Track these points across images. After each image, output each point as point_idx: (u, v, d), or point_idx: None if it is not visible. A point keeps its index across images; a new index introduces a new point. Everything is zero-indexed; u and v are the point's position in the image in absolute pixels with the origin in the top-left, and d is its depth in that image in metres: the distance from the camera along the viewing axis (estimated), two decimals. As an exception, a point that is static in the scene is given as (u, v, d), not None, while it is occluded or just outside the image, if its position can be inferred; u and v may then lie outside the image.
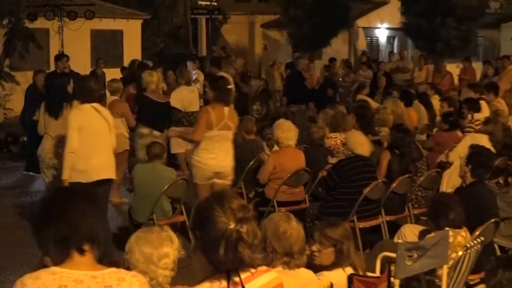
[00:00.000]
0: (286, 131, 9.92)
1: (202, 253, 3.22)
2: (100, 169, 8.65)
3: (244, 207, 3.24)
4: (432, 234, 6.58)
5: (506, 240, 7.88)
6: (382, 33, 40.24)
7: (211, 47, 36.67)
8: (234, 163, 9.62)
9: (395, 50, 35.76)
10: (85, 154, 8.55)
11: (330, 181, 9.30)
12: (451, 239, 6.48)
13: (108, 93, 13.26)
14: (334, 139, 10.81)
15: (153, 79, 12.55)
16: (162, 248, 4.68)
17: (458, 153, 9.60)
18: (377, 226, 9.32)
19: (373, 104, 14.68)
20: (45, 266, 3.24)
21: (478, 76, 23.14)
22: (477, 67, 25.46)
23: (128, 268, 4.64)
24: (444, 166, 10.33)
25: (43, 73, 14.09)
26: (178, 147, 13.74)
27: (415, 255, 6.07)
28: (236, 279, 3.19)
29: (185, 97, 14.07)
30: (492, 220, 7.18)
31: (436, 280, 6.50)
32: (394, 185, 9.31)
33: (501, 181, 9.64)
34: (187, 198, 9.66)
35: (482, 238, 6.78)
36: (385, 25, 39.09)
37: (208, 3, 37.65)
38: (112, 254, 9.10)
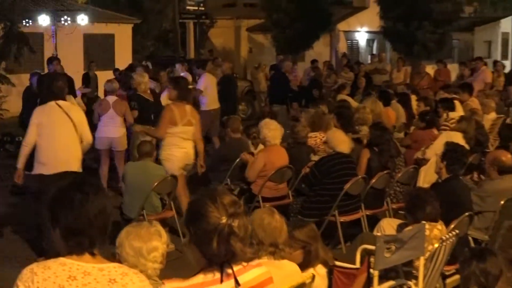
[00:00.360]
0: (273, 130, 9.94)
1: (196, 247, 3.21)
2: (60, 163, 8.57)
3: (235, 202, 3.25)
4: (410, 227, 6.58)
5: (479, 233, 7.90)
6: (362, 37, 40.29)
7: (199, 50, 36.69)
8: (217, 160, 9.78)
9: (375, 53, 35.80)
10: (46, 148, 8.59)
11: (312, 177, 9.31)
12: (427, 232, 6.49)
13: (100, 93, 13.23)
14: (314, 139, 10.82)
15: (144, 79, 12.54)
16: (151, 242, 4.68)
17: (434, 150, 9.62)
18: (357, 220, 9.32)
19: (353, 103, 14.72)
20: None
21: (453, 77, 23.25)
22: (452, 68, 25.60)
23: (119, 261, 4.64)
24: (421, 162, 10.37)
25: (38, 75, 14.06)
26: None
27: (393, 247, 6.09)
28: (229, 271, 3.20)
29: None
30: (467, 213, 7.19)
31: (413, 271, 6.50)
32: (373, 181, 9.32)
33: (475, 176, 9.69)
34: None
35: (457, 231, 6.79)
36: (365, 28, 39.16)
37: (196, 8, 37.65)
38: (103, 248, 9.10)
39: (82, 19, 23.37)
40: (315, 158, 10.27)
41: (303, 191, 9.80)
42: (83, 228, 3.16)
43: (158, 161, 9.92)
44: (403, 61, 24.03)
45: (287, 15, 30.96)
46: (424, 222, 6.52)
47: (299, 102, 19.41)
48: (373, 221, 8.96)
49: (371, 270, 5.95)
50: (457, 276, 6.68)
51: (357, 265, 6.29)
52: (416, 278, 6.46)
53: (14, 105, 18.10)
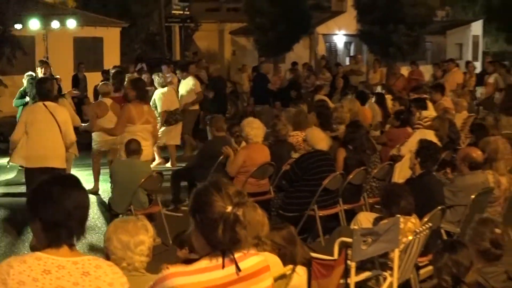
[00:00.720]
0: (256, 129, 9.95)
1: (201, 235, 3.22)
2: (42, 158, 8.90)
3: (239, 193, 3.28)
4: (385, 221, 6.60)
5: (451, 226, 7.93)
6: (339, 39, 40.33)
7: (184, 53, 36.63)
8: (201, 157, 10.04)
9: (352, 55, 35.86)
10: (31, 143, 8.96)
11: (292, 174, 9.32)
12: (402, 225, 6.52)
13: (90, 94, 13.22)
14: (295, 137, 10.83)
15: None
16: (138, 236, 4.67)
17: (409, 147, 9.63)
18: (336, 214, 9.34)
19: (331, 103, 14.78)
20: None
21: (426, 77, 23.31)
22: (425, 69, 25.69)
23: (107, 255, 4.63)
24: (396, 159, 10.39)
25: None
26: (170, 139, 14.43)
27: (370, 240, 6.10)
28: (231, 257, 3.22)
29: (167, 98, 14.32)
30: (439, 207, 7.22)
31: (389, 262, 6.53)
32: (350, 177, 9.33)
33: (448, 171, 9.71)
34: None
35: (430, 224, 6.82)
36: (343, 32, 39.19)
37: (181, 12, 37.62)
38: (92, 242, 9.11)
39: (72, 23, 23.27)
40: (295, 155, 10.27)
41: (283, 187, 9.80)
42: (61, 220, 3.18)
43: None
44: (379, 62, 24.09)
45: (268, 19, 30.92)
46: (398, 215, 6.54)
47: (281, 102, 19.44)
48: (351, 215, 8.98)
49: (349, 262, 5.96)
50: (430, 267, 6.70)
51: (335, 256, 6.30)
52: (391, 269, 6.48)
53: (7, 106, 18.01)
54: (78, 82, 20.71)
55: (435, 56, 35.74)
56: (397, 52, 28.40)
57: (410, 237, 6.48)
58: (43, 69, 14.37)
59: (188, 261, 3.30)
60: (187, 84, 16.03)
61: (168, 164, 14.46)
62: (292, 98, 17.77)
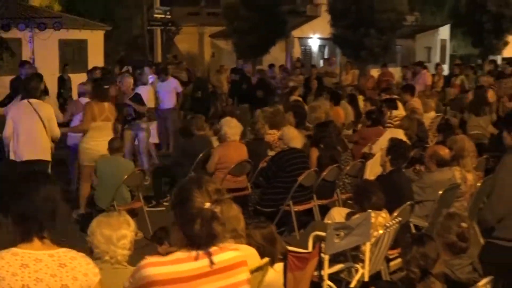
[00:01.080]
0: (233, 128, 9.95)
1: (180, 228, 3.23)
2: (26, 152, 9.11)
3: (218, 190, 3.28)
4: (357, 216, 6.62)
5: (420, 220, 7.95)
6: (314, 43, 40.35)
7: (166, 55, 36.52)
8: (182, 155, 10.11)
9: (326, 57, 35.89)
10: (17, 138, 9.12)
11: (269, 171, 9.32)
12: (373, 220, 6.53)
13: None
14: (272, 135, 10.83)
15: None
16: (120, 231, 4.66)
17: (380, 146, 9.66)
18: (310, 209, 9.33)
19: (305, 104, 14.80)
20: None
21: (397, 79, 23.41)
22: (396, 71, 25.79)
23: (91, 248, 4.62)
24: (368, 156, 10.42)
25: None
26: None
27: (342, 234, 6.12)
28: (206, 250, 3.23)
29: (144, 96, 14.25)
30: (408, 202, 7.24)
31: (360, 255, 6.54)
32: (324, 173, 9.34)
33: (417, 168, 9.76)
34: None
35: (400, 219, 6.84)
36: (317, 35, 39.21)
37: (163, 16, 37.53)
38: (76, 236, 9.05)
39: (58, 26, 23.13)
40: (271, 153, 10.27)
41: (260, 183, 9.80)
42: (30, 214, 3.21)
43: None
44: (351, 65, 24.14)
45: (246, 23, 30.93)
46: (370, 210, 6.56)
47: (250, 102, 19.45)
48: (324, 210, 8.97)
49: (322, 255, 5.97)
50: (399, 259, 6.71)
51: (310, 250, 6.29)
52: (362, 261, 6.50)
53: (-7, 105, 17.84)
54: (64, 83, 20.57)
55: (405, 59, 35.87)
56: (369, 55, 28.53)
57: (381, 231, 6.50)
58: (25, 70, 14.31)
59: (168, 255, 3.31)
60: (167, 85, 16.04)
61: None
62: (259, 98, 17.83)
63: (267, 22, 30.57)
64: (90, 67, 23.28)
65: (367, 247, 6.42)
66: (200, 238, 3.20)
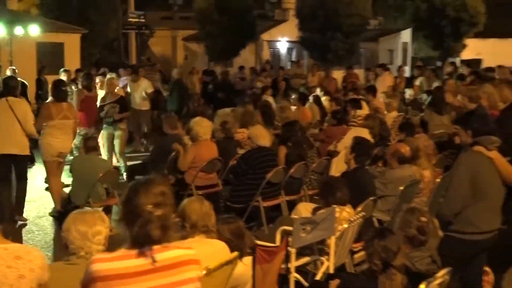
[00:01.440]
0: (204, 127, 9.91)
1: (125, 226, 3.24)
2: (3, 146, 9.50)
3: (163, 193, 3.24)
4: (322, 211, 6.63)
5: (382, 214, 8.00)
6: (282, 45, 40.33)
7: (140, 57, 36.39)
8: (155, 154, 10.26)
9: (294, 59, 35.93)
10: None
11: (239, 168, 9.31)
12: (337, 214, 6.55)
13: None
14: (242, 134, 10.82)
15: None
16: (95, 227, 4.61)
17: (344, 144, 9.70)
18: (278, 204, 9.34)
19: (274, 104, 14.82)
20: None
21: (361, 80, 23.49)
22: (360, 73, 25.89)
23: (66, 244, 4.57)
24: (333, 154, 10.44)
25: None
26: None
27: (308, 228, 6.13)
28: (148, 248, 3.20)
29: None
30: (371, 198, 7.28)
31: (326, 248, 6.56)
32: (292, 170, 9.35)
33: (379, 165, 9.81)
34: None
35: (363, 213, 6.87)
36: (285, 38, 39.20)
37: (137, 20, 37.35)
38: (52, 232, 8.97)
39: (35, 29, 22.91)
40: (241, 151, 10.26)
41: (231, 180, 9.79)
42: None
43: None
44: (317, 66, 24.21)
45: (218, 27, 30.88)
46: (335, 205, 6.58)
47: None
48: (292, 205, 8.98)
49: (289, 248, 5.98)
50: (363, 252, 6.75)
51: (277, 243, 6.30)
52: (328, 254, 6.52)
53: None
54: (41, 84, 20.39)
55: (369, 61, 35.99)
56: (334, 57, 28.63)
57: (345, 225, 6.53)
58: None
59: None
60: (138, 86, 16.07)
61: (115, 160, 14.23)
62: (220, 99, 17.91)
63: (238, 26, 30.56)
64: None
65: (332, 241, 6.44)
66: (138, 238, 3.18)
